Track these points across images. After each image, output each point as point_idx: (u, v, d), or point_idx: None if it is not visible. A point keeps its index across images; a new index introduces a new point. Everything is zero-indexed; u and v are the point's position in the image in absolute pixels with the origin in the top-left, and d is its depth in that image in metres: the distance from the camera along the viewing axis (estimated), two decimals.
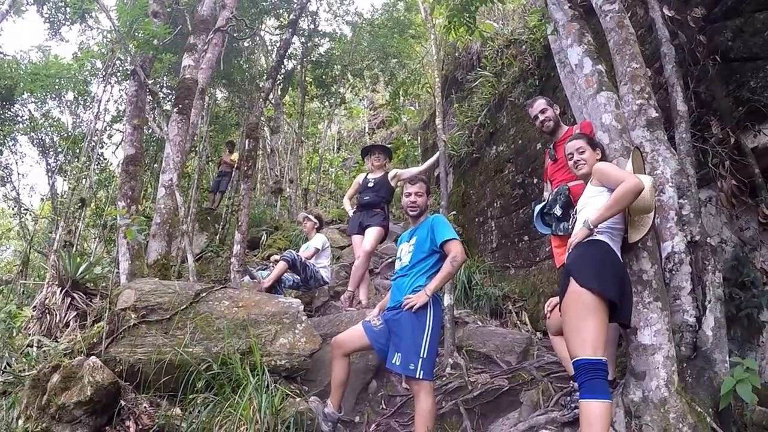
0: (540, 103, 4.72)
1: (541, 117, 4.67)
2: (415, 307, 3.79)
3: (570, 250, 3.32)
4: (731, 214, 4.51)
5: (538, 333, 5.86)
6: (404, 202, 4.32)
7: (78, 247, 10.45)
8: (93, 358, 4.05)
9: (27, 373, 4.56)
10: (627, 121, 4.02)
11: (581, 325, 2.96)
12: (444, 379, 4.80)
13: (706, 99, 4.54)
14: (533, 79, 7.45)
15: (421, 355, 3.71)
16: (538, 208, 4.43)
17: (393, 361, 3.82)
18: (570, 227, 3.83)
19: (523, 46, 7.95)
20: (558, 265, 4.36)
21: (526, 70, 7.64)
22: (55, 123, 14.70)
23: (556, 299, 3.46)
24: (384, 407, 4.83)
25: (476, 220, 8.76)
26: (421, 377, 3.67)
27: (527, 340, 5.21)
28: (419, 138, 13.67)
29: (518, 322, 6.27)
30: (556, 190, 4.31)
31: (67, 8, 13.57)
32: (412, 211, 4.27)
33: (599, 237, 3.25)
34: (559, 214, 4.15)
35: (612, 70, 4.35)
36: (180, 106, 7.78)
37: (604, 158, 3.72)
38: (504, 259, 7.62)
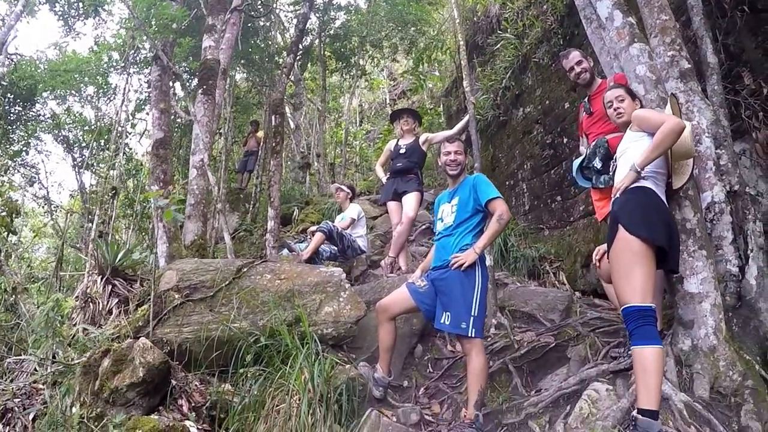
0: (575, 54, 4.71)
1: (577, 68, 4.65)
2: (465, 265, 3.80)
3: (616, 196, 3.32)
4: (767, 166, 4.47)
5: (576, 293, 5.86)
6: (443, 160, 4.29)
7: (111, 237, 10.65)
8: (142, 339, 4.09)
9: (77, 361, 4.66)
10: (660, 72, 3.99)
11: (630, 273, 2.98)
12: (489, 339, 4.85)
13: (736, 51, 4.49)
14: (557, 39, 7.35)
15: (473, 313, 3.74)
16: (577, 162, 4.42)
17: (442, 321, 3.85)
18: (610, 178, 3.83)
19: (544, 6, 7.83)
20: (600, 219, 4.35)
21: (549, 29, 7.54)
22: (77, 118, 14.87)
23: (604, 247, 3.48)
24: (431, 370, 4.90)
25: (507, 183, 8.75)
26: (473, 335, 3.71)
27: (569, 297, 5.24)
28: (442, 105, 13.58)
29: (556, 282, 6.29)
30: (594, 142, 4.30)
31: (80, 3, 13.67)
32: (453, 169, 4.26)
33: (644, 183, 3.25)
34: (599, 167, 4.13)
35: (641, 22, 4.30)
36: (205, 86, 7.86)
37: (642, 107, 3.71)
38: (537, 220, 7.62)
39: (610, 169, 3.87)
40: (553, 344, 4.48)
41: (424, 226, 9.21)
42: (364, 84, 19.02)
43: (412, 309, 4.24)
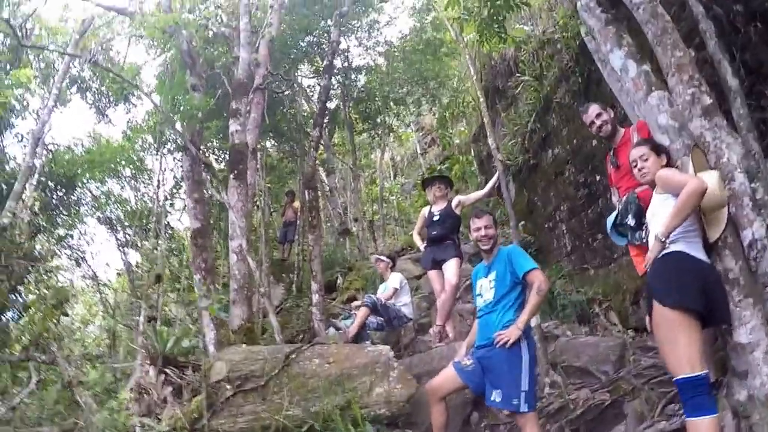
0: (594, 108, 4.67)
1: (597, 122, 4.62)
2: (509, 343, 3.79)
3: (648, 268, 3.27)
4: None
5: (629, 332, 5.71)
6: (475, 236, 4.30)
7: (161, 315, 10.89)
8: None
9: None
10: (683, 114, 3.91)
11: (674, 344, 2.94)
12: (544, 400, 4.75)
13: (754, 66, 4.38)
14: (575, 77, 7.33)
15: (523, 389, 3.72)
16: (610, 220, 4.38)
17: (492, 399, 3.85)
18: (645, 237, 3.77)
19: (558, 45, 7.87)
20: (640, 273, 4.26)
21: (566, 68, 7.54)
22: (118, 200, 15.41)
23: None
24: None
25: (546, 225, 8.65)
26: (525, 410, 3.68)
27: (621, 345, 5.08)
28: (472, 150, 13.62)
29: (608, 324, 6.13)
30: (625, 198, 4.24)
31: (110, 92, 14.34)
32: (485, 245, 4.26)
33: (673, 247, 3.21)
34: (632, 224, 4.07)
35: (654, 58, 4.26)
36: (236, 171, 8.04)
37: (669, 162, 3.65)
38: (580, 261, 7.48)
39: (644, 226, 3.82)
40: (609, 401, 4.35)
41: (468, 282, 9.11)
42: (393, 139, 19.27)
43: (461, 388, 4.23)
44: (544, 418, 4.51)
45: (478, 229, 4.25)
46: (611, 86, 4.76)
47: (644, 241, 3.81)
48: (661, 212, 3.32)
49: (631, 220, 4.07)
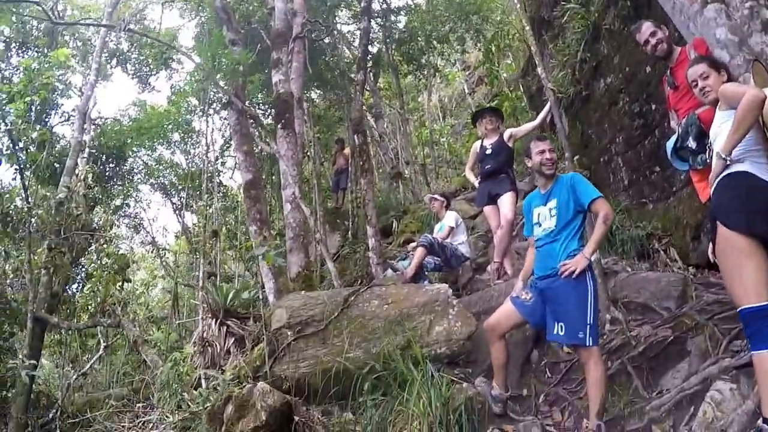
0: (647, 26, 4.41)
1: (652, 40, 4.37)
2: (576, 272, 3.72)
3: (711, 189, 3.12)
4: None
5: (690, 268, 5.55)
6: (538, 159, 4.12)
7: (220, 272, 11.23)
8: (261, 384, 4.29)
9: (201, 408, 4.98)
10: (741, 29, 3.69)
11: (740, 272, 2.77)
12: (605, 337, 4.70)
13: None
14: (623, 1, 6.99)
15: (588, 322, 3.66)
16: (670, 144, 4.15)
17: (555, 332, 3.81)
18: (708, 159, 3.57)
19: None
20: (704, 200, 4.05)
21: None
22: (169, 165, 15.74)
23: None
24: (549, 375, 4.83)
25: (601, 159, 8.40)
26: (590, 344, 3.64)
27: (683, 281, 4.95)
28: (521, 86, 13.26)
29: (668, 260, 5.98)
30: (684, 120, 3.99)
31: (149, 60, 14.53)
32: (549, 169, 4.13)
33: (739, 167, 3.00)
34: (694, 147, 3.82)
35: None
36: (283, 121, 8.10)
37: (729, 78, 3.42)
38: (639, 195, 7.27)
39: (707, 149, 3.64)
40: (672, 337, 4.26)
41: (523, 219, 9.04)
42: (439, 80, 18.91)
43: (521, 323, 4.21)
44: (606, 354, 4.44)
45: (542, 152, 4.10)
46: (663, 5, 4.47)
47: (707, 163, 3.59)
48: (724, 130, 3.11)
49: (692, 143, 3.83)
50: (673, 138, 4.16)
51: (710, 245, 3.35)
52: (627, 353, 4.37)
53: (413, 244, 7.36)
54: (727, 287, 2.92)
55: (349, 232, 12.75)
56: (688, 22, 4.05)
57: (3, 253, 10.60)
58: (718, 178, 3.06)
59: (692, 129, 3.87)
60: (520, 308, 4.10)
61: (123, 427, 6.27)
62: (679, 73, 4.16)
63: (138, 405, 6.78)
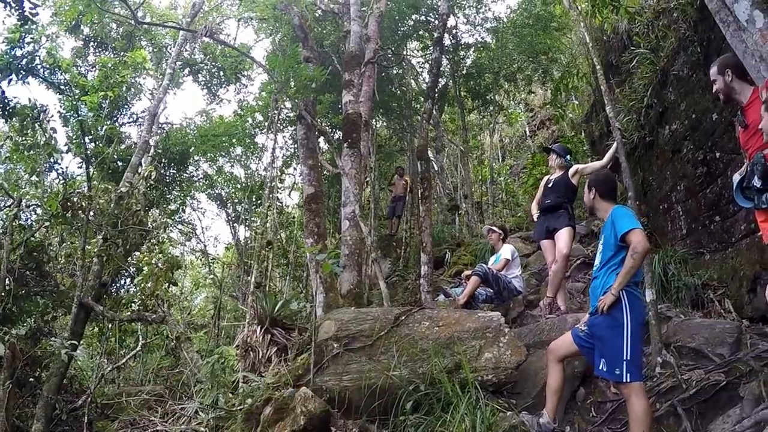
0: (711, 73, 4.42)
1: (713, 88, 4.45)
2: (604, 308, 3.77)
3: None
4: None
5: (744, 321, 5.43)
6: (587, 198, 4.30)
7: (268, 284, 11.40)
8: (304, 389, 4.35)
9: (238, 408, 5.06)
10: None
11: None
12: (655, 379, 4.65)
13: None
14: (693, 47, 6.98)
15: (625, 358, 3.67)
16: (736, 179, 4.16)
17: (600, 367, 3.82)
18: None
19: (674, 14, 7.51)
20: (766, 241, 4.04)
21: (684, 38, 7.17)
22: (228, 177, 16.11)
23: None
24: (594, 414, 4.77)
25: (660, 207, 8.33)
26: (628, 380, 3.64)
27: (738, 329, 4.88)
28: (584, 131, 13.24)
29: (722, 310, 5.88)
30: (752, 159, 4.04)
31: (221, 72, 15.06)
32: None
33: None
34: (758, 186, 3.82)
35: None
36: (349, 140, 8.33)
37: None
38: (696, 244, 7.16)
39: None
40: (724, 382, 4.21)
41: (579, 261, 8.98)
42: (502, 119, 19.01)
43: (576, 353, 4.24)
44: (655, 396, 4.43)
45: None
46: (735, 49, 4.50)
47: None
48: None
49: (757, 182, 3.79)
50: (739, 176, 4.16)
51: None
52: (677, 396, 4.32)
53: (467, 272, 7.39)
54: None
55: (401, 260, 12.87)
56: (760, 65, 4.07)
57: (61, 236, 11.01)
58: None
59: (758, 168, 3.86)
60: (576, 339, 4.14)
61: (154, 419, 6.42)
62: (751, 113, 4.18)
63: (170, 402, 6.90)
